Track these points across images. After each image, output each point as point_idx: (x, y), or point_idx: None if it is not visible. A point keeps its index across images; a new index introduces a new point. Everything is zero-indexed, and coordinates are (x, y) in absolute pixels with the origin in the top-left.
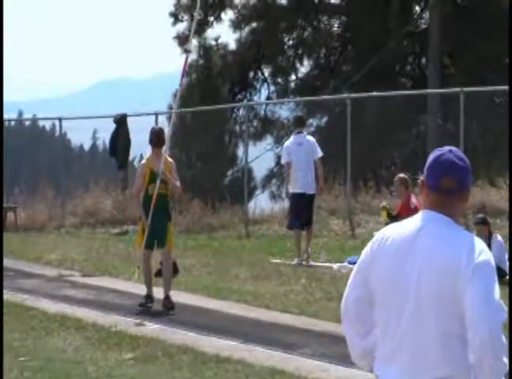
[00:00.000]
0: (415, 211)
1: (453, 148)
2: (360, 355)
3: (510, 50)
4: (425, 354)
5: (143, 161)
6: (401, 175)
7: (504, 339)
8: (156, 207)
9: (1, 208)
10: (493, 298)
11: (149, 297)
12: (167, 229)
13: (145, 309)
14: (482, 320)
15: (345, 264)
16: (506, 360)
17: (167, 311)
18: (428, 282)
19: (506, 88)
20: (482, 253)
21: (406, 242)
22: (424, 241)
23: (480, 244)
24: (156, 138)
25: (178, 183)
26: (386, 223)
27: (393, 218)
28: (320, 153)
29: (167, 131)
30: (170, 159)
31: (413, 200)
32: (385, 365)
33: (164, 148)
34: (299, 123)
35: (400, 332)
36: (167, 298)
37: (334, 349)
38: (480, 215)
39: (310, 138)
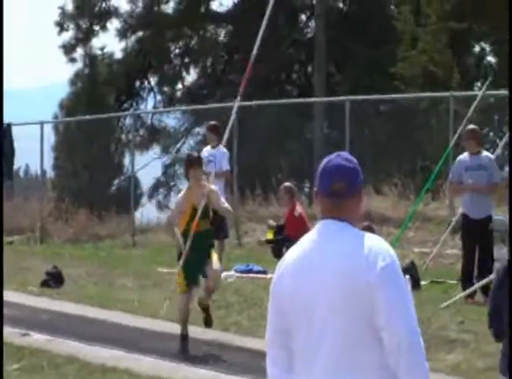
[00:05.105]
0: (300, 219)
1: (342, 152)
2: None
3: (510, 52)
4: (338, 364)
5: (182, 194)
6: (286, 184)
7: (422, 343)
8: (199, 244)
9: (1, 209)
10: (407, 299)
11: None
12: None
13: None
14: (399, 320)
15: (232, 272)
16: (427, 364)
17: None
18: (331, 294)
19: (390, 96)
20: (383, 254)
21: (305, 260)
22: (322, 254)
23: (379, 245)
24: (193, 161)
25: (226, 205)
26: (268, 242)
27: (280, 227)
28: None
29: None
30: (213, 187)
31: (298, 208)
32: None
33: (211, 176)
34: None
35: (313, 348)
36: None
37: (222, 357)
38: (366, 223)
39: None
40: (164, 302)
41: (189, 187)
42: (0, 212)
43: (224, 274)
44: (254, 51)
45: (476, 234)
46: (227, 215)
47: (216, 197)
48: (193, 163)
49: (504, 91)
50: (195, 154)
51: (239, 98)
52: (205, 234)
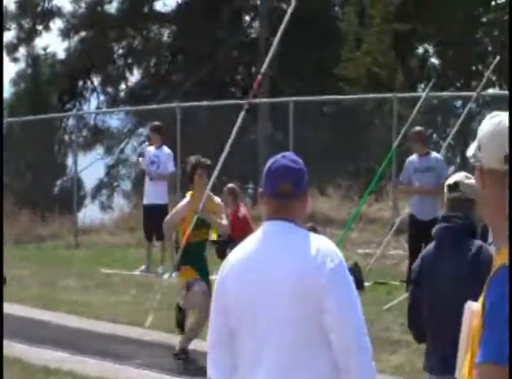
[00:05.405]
0: (243, 220)
1: (287, 153)
2: None
3: (510, 54)
4: (285, 366)
5: (184, 202)
6: (230, 185)
7: (369, 343)
8: (195, 255)
9: (1, 209)
10: (354, 300)
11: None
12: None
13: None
14: (348, 321)
15: (175, 273)
16: (373, 364)
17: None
18: (277, 294)
19: (335, 97)
20: (331, 255)
21: (250, 260)
22: (267, 254)
23: (326, 246)
24: (200, 167)
25: (224, 222)
26: (212, 242)
27: None
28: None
29: None
30: (217, 200)
31: (242, 209)
32: None
33: (209, 183)
34: None
35: (257, 347)
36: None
37: (165, 359)
38: (309, 224)
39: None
40: (149, 314)
41: (192, 194)
42: (0, 212)
43: (167, 275)
44: (265, 65)
45: (422, 236)
46: (224, 231)
47: (219, 211)
48: (199, 168)
49: (447, 93)
50: (205, 160)
51: (249, 98)
52: (203, 242)
